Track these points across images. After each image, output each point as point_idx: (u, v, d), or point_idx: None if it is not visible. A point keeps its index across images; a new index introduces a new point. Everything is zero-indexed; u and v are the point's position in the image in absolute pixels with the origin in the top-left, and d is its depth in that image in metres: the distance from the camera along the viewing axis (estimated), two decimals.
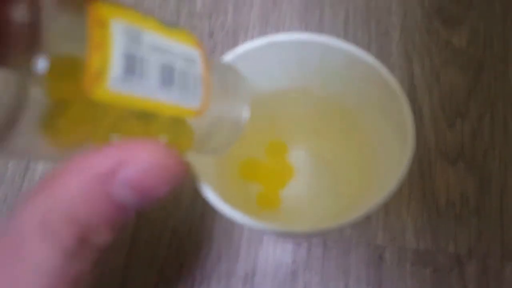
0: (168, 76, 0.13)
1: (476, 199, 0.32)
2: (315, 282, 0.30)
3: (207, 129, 0.17)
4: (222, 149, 0.19)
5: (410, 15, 0.38)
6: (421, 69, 0.36)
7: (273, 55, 0.25)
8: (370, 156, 0.27)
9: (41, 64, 0.10)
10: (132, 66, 0.12)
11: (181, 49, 0.14)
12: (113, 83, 0.12)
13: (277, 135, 0.31)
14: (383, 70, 0.22)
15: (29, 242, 0.11)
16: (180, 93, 0.14)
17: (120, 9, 0.13)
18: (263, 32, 0.38)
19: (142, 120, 0.14)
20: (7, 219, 0.11)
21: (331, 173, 0.31)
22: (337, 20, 0.39)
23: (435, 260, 0.31)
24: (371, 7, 0.39)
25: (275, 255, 0.31)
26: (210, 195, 0.19)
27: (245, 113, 0.19)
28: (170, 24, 0.15)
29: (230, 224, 0.32)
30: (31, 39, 0.10)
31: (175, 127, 0.15)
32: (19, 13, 0.10)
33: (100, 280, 0.31)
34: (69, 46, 0.11)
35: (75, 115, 0.12)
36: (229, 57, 0.23)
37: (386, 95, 0.23)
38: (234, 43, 0.38)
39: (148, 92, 0.13)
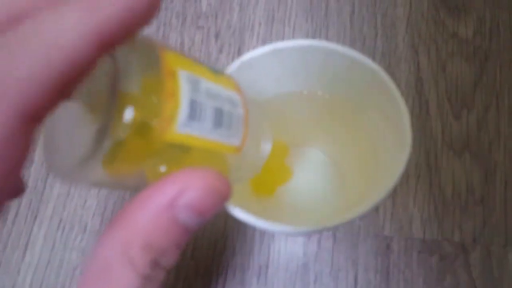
0: (219, 119, 0.15)
1: (481, 189, 0.34)
2: (326, 273, 0.33)
3: (238, 163, 0.19)
4: (246, 178, 0.21)
5: (416, 6, 0.39)
6: (428, 61, 0.38)
7: (277, 61, 0.26)
8: (372, 155, 0.28)
9: (128, 114, 0.12)
10: (194, 111, 0.14)
11: (227, 93, 0.16)
12: (179, 126, 0.14)
13: (280, 136, 0.32)
14: (384, 75, 0.24)
15: (114, 270, 0.13)
16: (226, 133, 0.16)
17: (180, 57, 0.14)
18: (269, 30, 0.39)
19: (189, 154, 0.16)
20: (94, 249, 0.14)
21: (335, 171, 0.32)
22: (343, 14, 0.40)
23: (441, 248, 0.33)
24: (377, 0, 0.40)
25: (286, 249, 0.33)
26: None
27: (268, 146, 0.21)
28: (216, 69, 0.17)
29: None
30: (115, 91, 0.12)
31: (215, 160, 0.17)
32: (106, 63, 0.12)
33: None
34: (147, 96, 0.13)
35: (134, 151, 0.14)
36: (235, 64, 0.25)
37: (386, 98, 0.24)
38: (241, 42, 0.39)
39: (203, 133, 0.15)
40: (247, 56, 0.26)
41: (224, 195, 0.15)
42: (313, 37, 0.39)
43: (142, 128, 0.13)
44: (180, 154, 0.15)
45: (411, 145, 0.23)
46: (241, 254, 0.33)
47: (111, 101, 0.12)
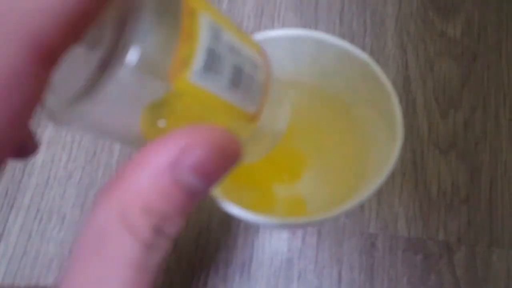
0: (237, 77, 0.14)
1: (466, 188, 0.34)
2: (310, 269, 0.32)
3: (249, 134, 0.18)
4: (257, 155, 0.20)
5: (405, 4, 0.39)
6: (416, 60, 0.38)
7: (266, 50, 0.26)
8: (362, 148, 0.28)
9: (135, 51, 0.11)
10: (211, 61, 0.13)
11: (250, 54, 0.15)
12: (193, 75, 0.12)
13: None
14: (375, 66, 0.24)
15: (111, 237, 0.12)
16: (242, 96, 0.15)
17: (204, 2, 0.13)
18: (258, 23, 0.39)
19: (197, 111, 0.14)
20: (88, 215, 0.13)
21: (325, 163, 0.32)
22: (333, 10, 0.40)
23: (425, 247, 0.33)
24: None
25: (271, 244, 0.33)
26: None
27: (284, 124, 0.20)
28: (240, 28, 0.15)
29: (227, 215, 0.34)
30: (126, 26, 0.11)
31: (225, 125, 0.16)
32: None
33: None
34: (160, 33, 0.12)
35: (135, 94, 0.13)
36: None
37: (377, 90, 0.24)
38: None
39: (218, 90, 0.14)
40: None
41: (234, 156, 0.14)
42: None
43: (149, 68, 0.12)
44: (187, 109, 0.14)
45: (403, 139, 0.22)
46: (225, 249, 0.33)
47: (118, 35, 0.11)
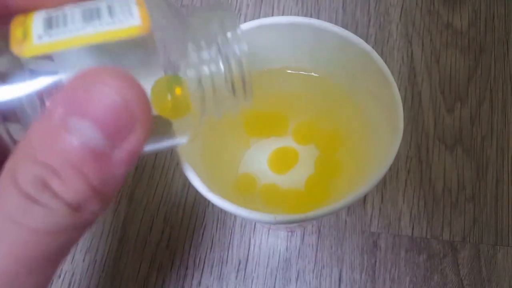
0: (93, 14, 0.14)
1: (472, 185, 0.33)
2: (309, 269, 0.32)
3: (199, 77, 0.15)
4: (231, 104, 0.17)
5: None
6: (421, 51, 0.37)
7: (265, 37, 0.25)
8: (364, 141, 0.27)
9: None
10: (51, 22, 0.14)
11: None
12: (36, 39, 0.13)
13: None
14: (376, 56, 0.23)
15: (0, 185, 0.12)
16: (110, 20, 0.14)
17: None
18: (257, 12, 0.38)
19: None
20: None
21: (325, 155, 0.31)
22: None
23: (429, 246, 0.32)
24: None
25: (268, 243, 0.32)
26: (198, 184, 0.20)
27: (244, 48, 0.16)
28: None
29: (223, 212, 0.33)
30: None
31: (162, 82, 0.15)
32: None
33: (92, 268, 0.31)
34: None
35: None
36: None
37: (378, 81, 0.24)
38: None
39: (73, 32, 0.14)
40: None
41: (140, 103, 0.12)
42: None
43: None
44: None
45: (402, 130, 0.22)
46: (220, 247, 0.32)
47: None
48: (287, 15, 0.38)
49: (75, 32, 0.13)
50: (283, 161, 0.30)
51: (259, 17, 0.38)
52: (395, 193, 0.33)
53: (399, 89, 0.35)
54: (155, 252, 0.32)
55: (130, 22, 0.14)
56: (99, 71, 0.12)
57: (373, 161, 0.24)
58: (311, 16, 0.38)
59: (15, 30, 0.14)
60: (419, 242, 0.32)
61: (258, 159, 0.30)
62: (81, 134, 0.12)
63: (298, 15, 0.38)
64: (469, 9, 0.38)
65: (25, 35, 0.13)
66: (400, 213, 0.33)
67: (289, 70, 0.28)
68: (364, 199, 0.33)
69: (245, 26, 0.24)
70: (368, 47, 0.23)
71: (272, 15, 0.38)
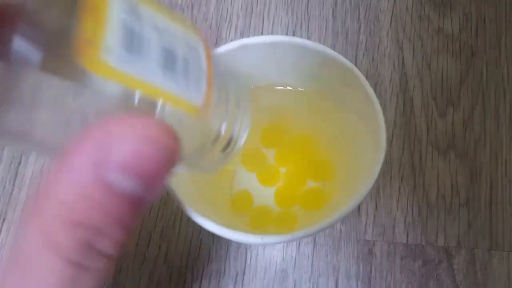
0: (170, 60, 0.12)
1: (466, 191, 0.34)
2: (305, 279, 0.32)
3: (202, 139, 0.16)
4: (214, 166, 0.17)
5: (400, 0, 0.39)
6: (412, 57, 0.37)
7: (248, 56, 0.26)
8: (350, 155, 0.28)
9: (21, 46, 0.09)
10: (130, 39, 0.11)
11: (182, 34, 0.13)
12: (108, 54, 0.11)
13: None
14: (357, 72, 0.24)
15: (34, 256, 0.11)
16: (182, 83, 0.13)
17: None
18: (247, 23, 0.39)
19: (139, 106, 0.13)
20: (18, 231, 0.11)
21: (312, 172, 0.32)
22: (325, 7, 0.39)
23: (424, 253, 0.33)
24: None
25: (264, 254, 0.33)
26: (196, 217, 0.21)
27: (246, 129, 0.17)
28: (167, 6, 0.14)
29: None
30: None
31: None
32: None
33: None
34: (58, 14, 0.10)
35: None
36: None
37: (360, 98, 0.24)
38: (218, 36, 0.38)
39: (147, 74, 0.12)
40: (216, 51, 0.25)
41: (171, 152, 0.11)
42: (294, 30, 0.38)
43: (55, 56, 0.10)
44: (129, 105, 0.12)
45: (385, 150, 0.22)
46: (217, 259, 0.33)
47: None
48: (277, 25, 0.39)
49: (150, 78, 0.12)
50: (270, 176, 0.30)
51: (249, 29, 0.39)
52: (389, 200, 0.34)
53: (391, 96, 0.36)
54: (154, 266, 0.33)
55: (193, 97, 0.13)
56: (135, 119, 0.11)
57: (357, 178, 0.24)
58: (301, 25, 0.38)
59: (85, 21, 0.10)
60: (414, 249, 0.33)
61: (249, 175, 0.31)
62: (126, 190, 0.11)
63: (288, 24, 0.39)
64: (460, 13, 0.38)
65: (96, 35, 0.10)
66: (394, 221, 0.33)
67: (275, 86, 0.29)
68: (358, 207, 0.34)
69: (229, 46, 0.25)
70: (349, 64, 0.24)
71: (262, 26, 0.39)
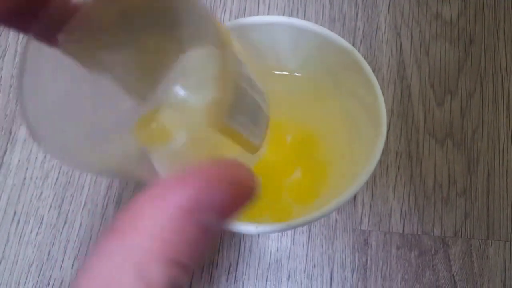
0: (255, 113, 0.14)
1: (463, 180, 0.33)
2: (300, 269, 0.32)
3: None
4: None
5: None
6: (410, 44, 0.36)
7: (244, 37, 0.25)
8: (351, 140, 0.27)
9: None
10: (238, 98, 0.13)
11: (258, 83, 0.14)
12: (226, 117, 0.12)
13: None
14: (357, 55, 0.23)
15: (127, 284, 0.11)
16: (254, 130, 0.14)
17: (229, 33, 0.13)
18: (242, 7, 0.38)
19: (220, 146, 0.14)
20: (96, 257, 0.11)
21: (311, 159, 0.31)
22: None
23: (420, 243, 0.32)
24: None
25: (258, 244, 0.32)
26: None
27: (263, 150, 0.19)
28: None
29: None
30: None
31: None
32: None
33: None
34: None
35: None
36: None
37: (360, 81, 0.23)
38: None
39: (241, 128, 0.13)
40: None
41: (251, 188, 0.13)
42: (289, 15, 0.37)
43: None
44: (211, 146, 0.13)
45: (385, 136, 0.21)
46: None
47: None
48: (273, 10, 0.38)
49: (240, 130, 0.13)
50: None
51: (244, 13, 0.38)
52: (385, 189, 0.34)
53: (388, 84, 0.35)
54: None
55: (256, 140, 0.14)
56: (226, 165, 0.13)
57: (356, 164, 0.24)
58: (297, 11, 0.38)
59: (221, 90, 0.12)
60: (410, 239, 0.32)
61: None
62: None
63: (284, 10, 0.38)
64: None
65: (223, 104, 0.12)
66: (390, 210, 0.33)
67: (273, 70, 0.28)
68: (354, 197, 0.33)
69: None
70: (349, 46, 0.23)
71: (258, 10, 0.38)
